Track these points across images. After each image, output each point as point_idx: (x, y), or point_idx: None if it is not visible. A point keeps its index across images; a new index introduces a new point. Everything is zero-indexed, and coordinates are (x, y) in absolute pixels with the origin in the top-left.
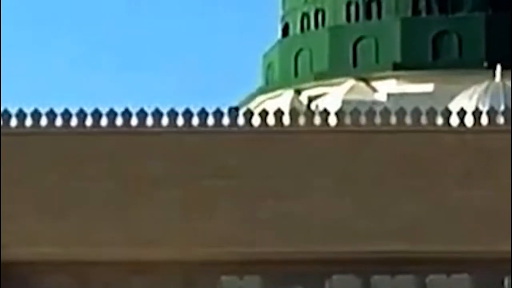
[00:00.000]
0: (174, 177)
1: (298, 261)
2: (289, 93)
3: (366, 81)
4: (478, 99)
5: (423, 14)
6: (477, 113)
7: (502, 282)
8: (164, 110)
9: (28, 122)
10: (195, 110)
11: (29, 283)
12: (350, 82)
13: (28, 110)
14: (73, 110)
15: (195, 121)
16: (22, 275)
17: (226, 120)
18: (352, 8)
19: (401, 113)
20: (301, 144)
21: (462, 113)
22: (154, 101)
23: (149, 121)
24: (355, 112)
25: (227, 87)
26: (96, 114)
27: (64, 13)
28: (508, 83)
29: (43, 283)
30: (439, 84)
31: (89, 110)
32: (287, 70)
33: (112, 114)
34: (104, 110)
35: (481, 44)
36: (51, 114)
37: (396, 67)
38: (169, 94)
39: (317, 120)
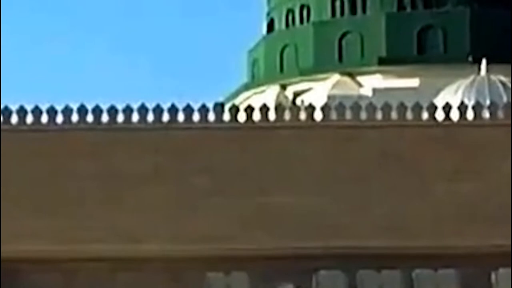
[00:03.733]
0: (160, 173)
1: (284, 257)
2: (274, 89)
3: (352, 76)
4: (464, 94)
5: (408, 9)
6: (462, 108)
7: (489, 277)
8: (150, 106)
9: (14, 119)
10: (180, 106)
11: (17, 280)
12: (336, 77)
13: (13, 107)
14: (59, 107)
15: (181, 117)
16: (10, 272)
17: (211, 116)
18: (337, 3)
19: (386, 108)
20: (286, 139)
21: (447, 107)
22: (139, 98)
23: (135, 117)
24: (341, 107)
25: (212, 83)
26: (83, 110)
27: (59, 11)
28: (494, 77)
29: (31, 280)
30: (425, 78)
31: (74, 107)
32: (272, 65)
33: (97, 111)
34: (89, 106)
35: (466, 39)
36: (37, 111)
37: (382, 62)
38: (154, 90)
39: (303, 115)
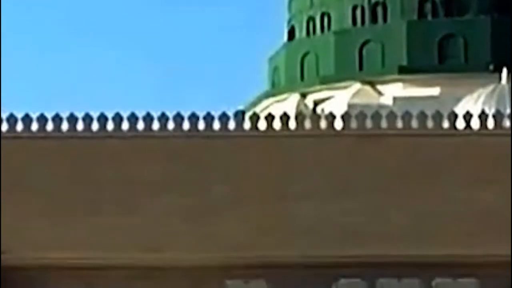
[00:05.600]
0: (180, 181)
1: (304, 265)
2: (295, 97)
3: (372, 84)
4: (484, 102)
5: (429, 18)
6: (483, 117)
7: (509, 286)
8: (170, 114)
9: (34, 126)
10: (201, 114)
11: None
12: (356, 85)
13: (34, 115)
14: (79, 114)
15: (201, 125)
16: (28, 279)
17: (232, 124)
18: (358, 12)
19: (407, 116)
20: (307, 147)
21: (468, 116)
22: (159, 105)
23: (155, 125)
24: (361, 116)
25: (233, 91)
26: (102, 118)
27: (72, 15)
28: None
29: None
30: (445, 87)
31: (95, 114)
32: (293, 73)
33: (118, 118)
34: (110, 114)
35: (486, 47)
36: (57, 118)
37: (402, 70)
38: (175, 98)
39: (323, 123)
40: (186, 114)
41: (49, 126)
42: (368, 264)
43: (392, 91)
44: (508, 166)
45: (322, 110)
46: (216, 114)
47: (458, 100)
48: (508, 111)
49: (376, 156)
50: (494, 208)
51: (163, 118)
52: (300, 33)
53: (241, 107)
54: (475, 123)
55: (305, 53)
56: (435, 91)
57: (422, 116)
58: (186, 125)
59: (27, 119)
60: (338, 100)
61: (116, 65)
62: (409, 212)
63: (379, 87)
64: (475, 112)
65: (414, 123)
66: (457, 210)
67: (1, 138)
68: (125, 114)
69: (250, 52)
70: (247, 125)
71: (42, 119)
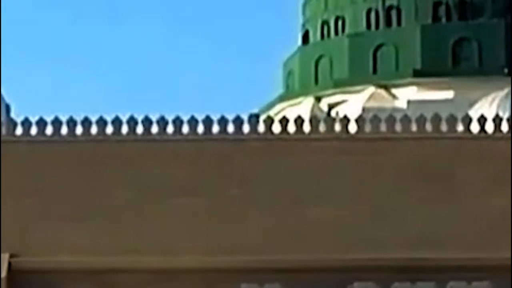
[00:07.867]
0: (194, 185)
1: (318, 269)
2: (309, 101)
3: (386, 88)
4: (498, 106)
5: (443, 21)
6: (497, 120)
7: None
8: (185, 118)
9: (49, 130)
10: (215, 118)
11: None
12: (370, 89)
13: (48, 118)
14: (93, 118)
15: (215, 128)
16: (40, 283)
17: (246, 128)
18: (372, 16)
19: (421, 120)
20: (321, 151)
21: (482, 120)
22: (174, 109)
23: (170, 128)
24: (375, 119)
25: (247, 95)
26: (117, 122)
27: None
28: None
29: None
30: (459, 91)
31: (109, 118)
32: (307, 77)
33: (132, 122)
34: (124, 117)
35: (501, 51)
36: (71, 122)
37: (416, 74)
38: (189, 102)
39: (337, 127)
40: (200, 117)
41: (64, 130)
42: (382, 268)
43: (406, 95)
44: None
45: (337, 113)
46: (230, 117)
47: (472, 103)
48: None
49: (390, 159)
50: (508, 212)
51: (178, 122)
52: (314, 36)
53: (255, 111)
54: (489, 127)
55: (319, 57)
56: (449, 94)
57: (436, 120)
58: (200, 129)
59: (41, 123)
60: (352, 104)
61: (129, 68)
62: (423, 216)
63: (393, 90)
64: (490, 116)
65: (428, 127)
66: (471, 214)
67: (14, 142)
68: (139, 118)
69: (265, 56)
70: (261, 128)
71: (57, 123)
